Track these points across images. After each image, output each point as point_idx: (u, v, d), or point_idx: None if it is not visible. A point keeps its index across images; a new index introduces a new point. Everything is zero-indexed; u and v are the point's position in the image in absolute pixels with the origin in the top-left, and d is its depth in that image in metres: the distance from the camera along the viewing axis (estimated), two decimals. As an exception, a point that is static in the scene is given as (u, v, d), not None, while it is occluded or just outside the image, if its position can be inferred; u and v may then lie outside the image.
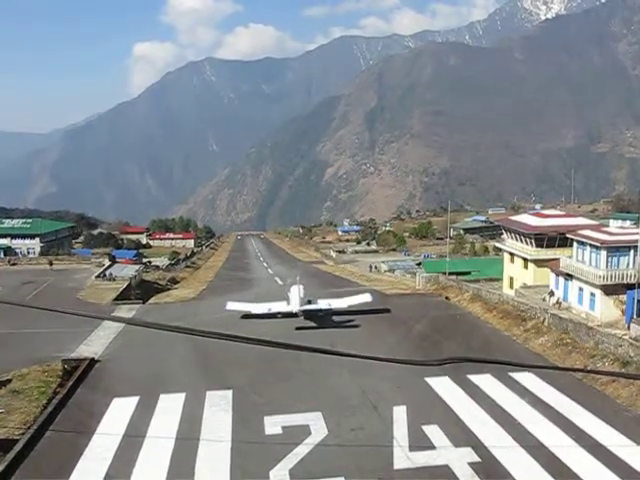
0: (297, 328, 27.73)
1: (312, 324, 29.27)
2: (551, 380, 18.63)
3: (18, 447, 14.32)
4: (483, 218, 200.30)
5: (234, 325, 28.40)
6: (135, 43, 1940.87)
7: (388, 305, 33.89)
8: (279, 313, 30.99)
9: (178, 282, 66.16)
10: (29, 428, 15.55)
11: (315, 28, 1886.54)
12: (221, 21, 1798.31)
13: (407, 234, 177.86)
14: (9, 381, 19.11)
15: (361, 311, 31.08)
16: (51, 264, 62.85)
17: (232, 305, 32.84)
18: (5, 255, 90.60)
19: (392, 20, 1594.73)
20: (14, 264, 68.08)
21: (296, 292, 31.43)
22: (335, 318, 30.41)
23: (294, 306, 30.48)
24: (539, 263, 58.55)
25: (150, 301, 41.99)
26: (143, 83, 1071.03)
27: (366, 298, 32.95)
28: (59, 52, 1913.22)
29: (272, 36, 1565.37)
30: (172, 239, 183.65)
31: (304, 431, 15.15)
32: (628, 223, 77.15)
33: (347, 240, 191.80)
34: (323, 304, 31.21)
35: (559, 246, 57.76)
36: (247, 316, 31.60)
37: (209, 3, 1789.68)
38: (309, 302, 31.04)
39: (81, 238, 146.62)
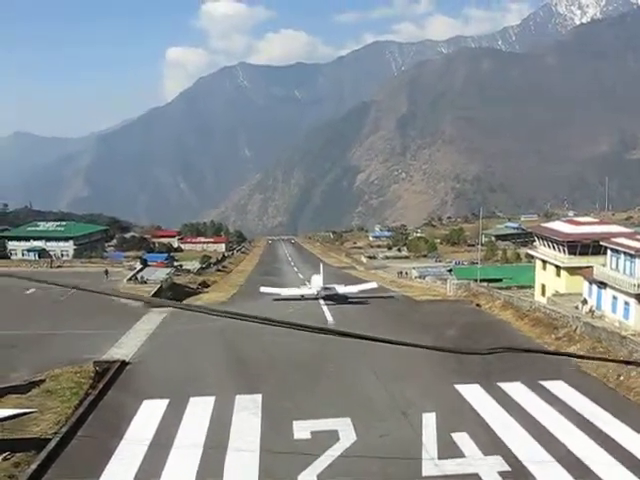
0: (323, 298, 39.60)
1: (332, 303, 38.26)
2: (583, 389, 18.39)
3: (51, 446, 14.50)
4: (515, 225, 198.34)
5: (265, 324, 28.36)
6: (168, 48, 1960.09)
7: (418, 311, 34.47)
8: (302, 296, 40.65)
9: (209, 286, 66.54)
10: (61, 428, 15.73)
11: (347, 34, 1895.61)
12: (253, 27, 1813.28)
13: (438, 240, 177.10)
14: (43, 381, 19.39)
15: (370, 296, 41.14)
16: (107, 273, 56.55)
17: (265, 289, 42.93)
18: (40, 257, 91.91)
19: (425, 25, 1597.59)
20: (59, 267, 68.59)
21: (317, 279, 41.85)
22: (351, 300, 39.64)
23: (315, 290, 40.56)
24: (572, 271, 57.81)
25: (181, 304, 42.30)
26: (176, 88, 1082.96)
27: (373, 285, 45.07)
28: (93, 58, 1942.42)
29: (304, 42, 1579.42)
30: (203, 243, 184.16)
31: (333, 436, 15.09)
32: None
33: (378, 246, 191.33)
34: (339, 289, 40.96)
35: (592, 254, 56.98)
36: (278, 299, 41.01)
37: (242, 9, 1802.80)
38: (327, 288, 40.55)
39: (114, 241, 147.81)
